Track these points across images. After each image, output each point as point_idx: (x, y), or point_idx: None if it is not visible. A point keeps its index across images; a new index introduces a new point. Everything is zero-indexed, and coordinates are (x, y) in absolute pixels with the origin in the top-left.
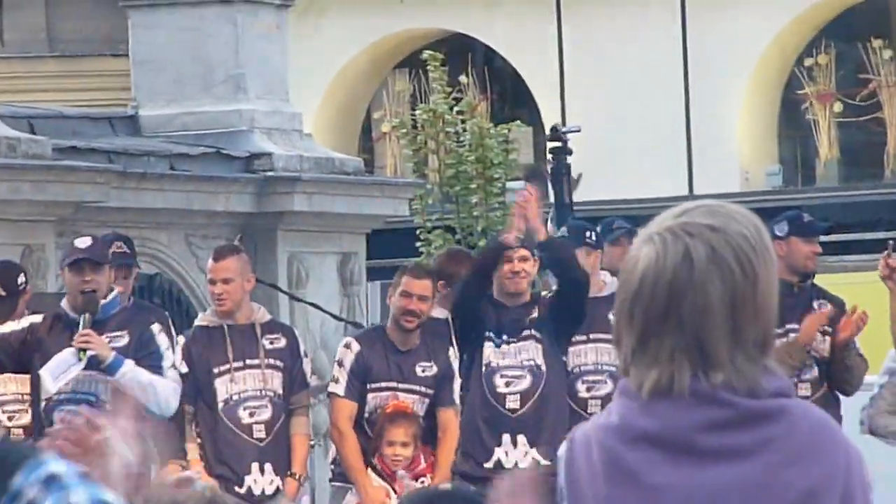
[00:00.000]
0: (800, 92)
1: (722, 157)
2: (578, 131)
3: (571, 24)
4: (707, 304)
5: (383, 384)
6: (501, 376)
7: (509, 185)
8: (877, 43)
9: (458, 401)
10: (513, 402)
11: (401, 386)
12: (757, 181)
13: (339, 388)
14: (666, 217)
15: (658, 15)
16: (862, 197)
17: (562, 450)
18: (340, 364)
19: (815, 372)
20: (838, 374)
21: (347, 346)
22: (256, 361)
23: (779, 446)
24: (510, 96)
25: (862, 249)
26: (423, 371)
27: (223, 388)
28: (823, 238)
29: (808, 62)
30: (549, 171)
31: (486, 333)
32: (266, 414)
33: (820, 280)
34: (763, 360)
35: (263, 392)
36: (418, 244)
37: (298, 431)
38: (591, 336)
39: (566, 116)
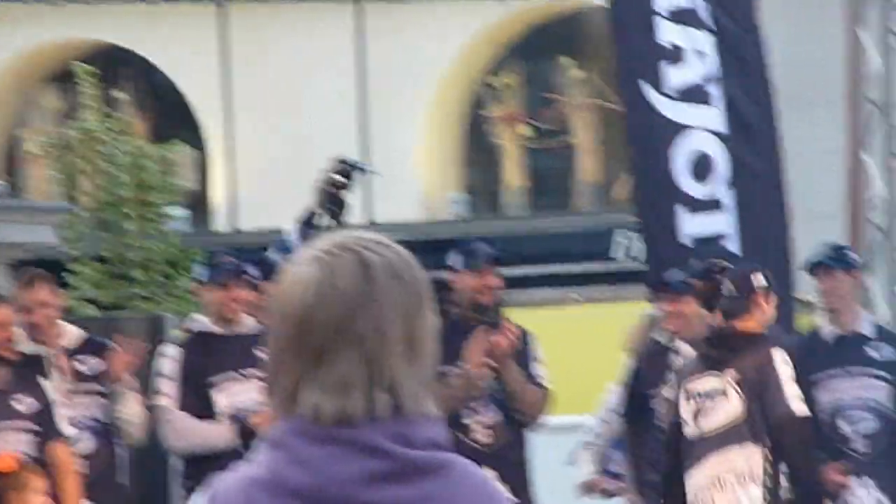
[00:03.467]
0: (484, 113)
1: (402, 182)
2: (374, 173)
3: (239, 41)
4: (387, 322)
5: None
6: None
7: (169, 210)
8: (566, 62)
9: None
10: None
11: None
12: (439, 210)
13: None
14: (325, 239)
15: (333, 35)
16: (550, 228)
17: (198, 501)
18: None
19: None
20: (509, 402)
21: None
22: None
23: (440, 503)
24: (170, 115)
25: (549, 283)
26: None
27: None
28: (510, 271)
29: (493, 81)
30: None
31: None
32: None
33: (507, 314)
34: (428, 396)
35: None
36: (65, 275)
37: None
38: None
39: (232, 140)
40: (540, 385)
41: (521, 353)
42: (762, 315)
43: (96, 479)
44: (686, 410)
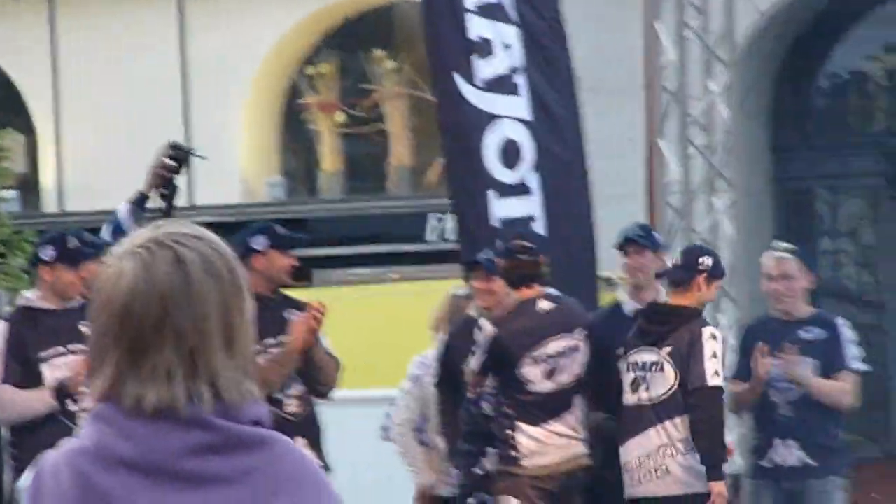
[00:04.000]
0: (302, 101)
1: (223, 166)
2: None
3: (66, 28)
4: (204, 315)
5: None
6: None
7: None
8: (379, 53)
9: None
10: None
11: None
12: (258, 193)
13: None
14: (143, 233)
15: (157, 24)
16: (364, 210)
17: (26, 480)
18: None
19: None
20: (315, 375)
21: None
22: None
23: (263, 477)
24: (2, 102)
25: (364, 263)
26: None
27: None
28: (326, 251)
29: (310, 71)
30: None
31: None
32: None
33: (323, 295)
34: (250, 381)
35: None
36: None
37: None
38: None
39: (60, 125)
40: (333, 356)
41: None
42: (700, 294)
43: None
44: (626, 381)
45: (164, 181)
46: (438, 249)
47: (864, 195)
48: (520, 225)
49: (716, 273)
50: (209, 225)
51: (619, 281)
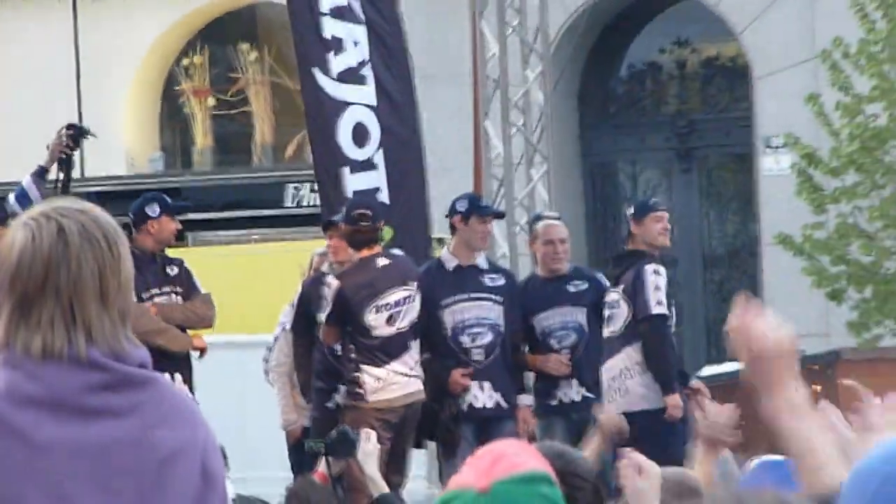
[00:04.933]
0: (178, 88)
1: (111, 144)
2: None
3: None
4: (80, 275)
5: None
6: None
7: None
8: (244, 46)
9: None
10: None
11: None
12: (141, 166)
13: None
14: (37, 208)
15: (53, 17)
16: (232, 180)
17: None
18: None
19: None
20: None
21: None
22: None
23: (149, 410)
24: None
25: (232, 226)
26: None
27: None
28: (200, 216)
29: (185, 62)
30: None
31: None
32: None
33: (197, 253)
34: (126, 330)
35: None
36: None
37: None
38: None
39: None
40: (205, 299)
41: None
42: (640, 236)
43: None
44: (604, 317)
45: (62, 155)
46: (295, 214)
47: (659, 167)
48: (369, 195)
49: (638, 214)
50: (98, 194)
51: (445, 240)
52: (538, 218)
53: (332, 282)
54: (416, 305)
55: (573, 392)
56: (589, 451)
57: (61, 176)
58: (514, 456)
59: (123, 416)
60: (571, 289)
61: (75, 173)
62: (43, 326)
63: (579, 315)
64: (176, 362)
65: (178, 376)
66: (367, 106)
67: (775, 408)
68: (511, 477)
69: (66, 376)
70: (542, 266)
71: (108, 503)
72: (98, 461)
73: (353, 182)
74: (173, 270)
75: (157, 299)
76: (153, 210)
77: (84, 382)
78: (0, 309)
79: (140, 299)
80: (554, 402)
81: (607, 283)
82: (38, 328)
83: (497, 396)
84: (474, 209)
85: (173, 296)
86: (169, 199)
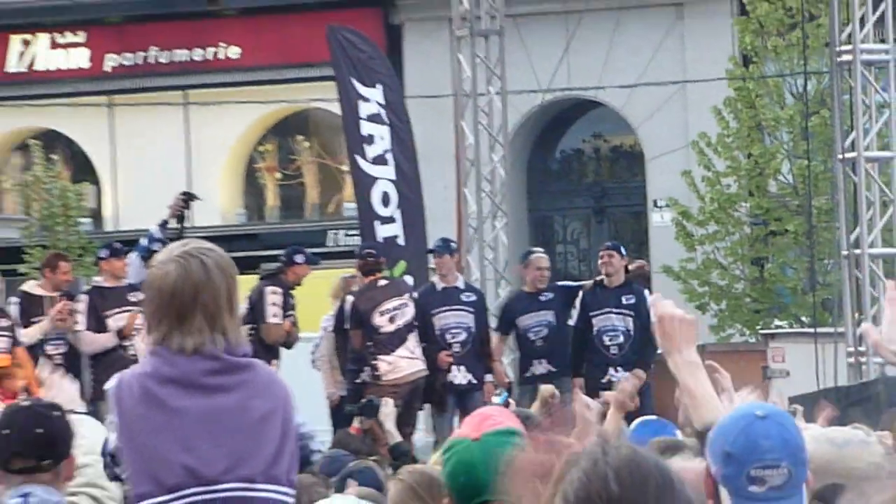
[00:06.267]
0: (256, 166)
1: (210, 204)
2: (200, 200)
3: (123, 134)
4: (217, 295)
5: None
6: None
7: (80, 219)
8: (300, 138)
9: None
10: None
11: None
12: (230, 219)
13: None
14: (174, 247)
15: (168, 115)
16: (291, 228)
17: (109, 385)
18: None
19: None
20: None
21: None
22: None
23: (249, 386)
24: (83, 168)
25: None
26: None
27: None
28: (270, 252)
29: (261, 148)
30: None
31: None
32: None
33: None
34: (240, 331)
35: None
36: (24, 256)
37: None
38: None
39: (116, 179)
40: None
41: None
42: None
43: None
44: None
45: (178, 212)
46: (333, 251)
47: (581, 220)
48: (390, 242)
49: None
50: (204, 238)
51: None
52: (530, 252)
53: (349, 299)
54: (410, 310)
55: (542, 368)
56: (611, 427)
57: (178, 225)
58: (496, 416)
59: (231, 391)
60: (543, 298)
61: (186, 224)
62: (194, 332)
63: (549, 316)
64: (273, 352)
65: (273, 362)
66: (390, 180)
67: (675, 364)
68: (495, 430)
69: (192, 364)
70: (529, 284)
71: (219, 450)
72: (212, 422)
73: (382, 231)
74: (293, 299)
75: (288, 318)
76: (300, 258)
77: (205, 368)
78: (155, 319)
79: (285, 316)
80: (528, 375)
81: (571, 286)
82: (190, 333)
83: (469, 376)
84: (431, 251)
85: (293, 316)
86: (309, 252)
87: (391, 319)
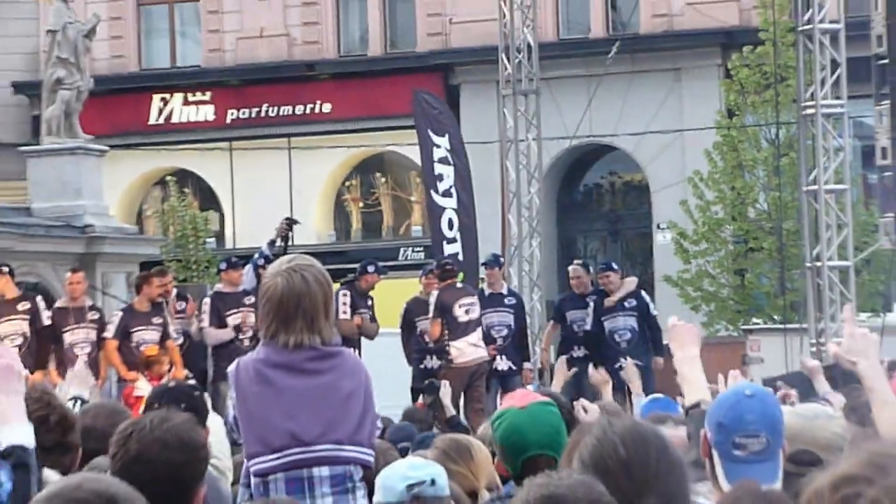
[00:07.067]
0: (343, 197)
1: (307, 227)
2: (300, 223)
3: (239, 176)
4: (316, 303)
5: None
6: None
7: (207, 240)
8: (378, 174)
9: None
10: None
11: None
12: (323, 239)
13: None
14: (282, 262)
15: (275, 158)
16: (371, 246)
17: (230, 369)
18: None
19: None
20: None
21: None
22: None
23: (339, 369)
24: (209, 199)
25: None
26: None
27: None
28: (355, 265)
29: (347, 183)
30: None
31: None
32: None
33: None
34: (333, 328)
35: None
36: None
37: None
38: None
39: (234, 208)
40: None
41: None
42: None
43: None
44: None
45: (283, 233)
46: (404, 264)
47: (599, 240)
48: (454, 257)
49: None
50: (305, 253)
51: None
52: (572, 264)
53: (434, 293)
54: (478, 308)
55: (580, 352)
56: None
57: (283, 244)
58: (534, 393)
59: (324, 373)
60: (588, 300)
61: (289, 243)
62: (296, 332)
63: (589, 312)
64: (353, 343)
65: (354, 351)
66: (453, 209)
67: (678, 359)
68: (538, 401)
69: (296, 352)
70: (575, 289)
71: (315, 419)
72: (310, 397)
73: (448, 249)
74: (369, 301)
75: (358, 315)
76: (371, 269)
77: (305, 356)
78: (267, 321)
79: (354, 314)
80: (568, 357)
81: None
82: (293, 332)
83: (510, 363)
84: (483, 264)
85: (365, 314)
86: (379, 264)
87: (467, 311)
